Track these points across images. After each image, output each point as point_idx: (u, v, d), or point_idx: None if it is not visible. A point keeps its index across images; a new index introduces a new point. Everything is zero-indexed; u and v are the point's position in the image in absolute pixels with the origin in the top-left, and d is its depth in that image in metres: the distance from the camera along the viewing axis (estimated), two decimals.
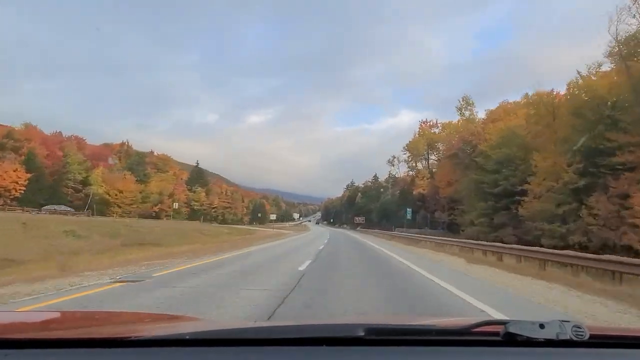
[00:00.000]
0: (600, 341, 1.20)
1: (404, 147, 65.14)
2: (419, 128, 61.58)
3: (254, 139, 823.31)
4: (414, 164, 70.29)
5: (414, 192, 52.71)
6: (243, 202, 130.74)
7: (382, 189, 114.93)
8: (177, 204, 69.75)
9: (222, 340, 1.13)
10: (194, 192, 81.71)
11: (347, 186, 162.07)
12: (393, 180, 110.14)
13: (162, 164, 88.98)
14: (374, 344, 1.13)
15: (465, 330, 1.18)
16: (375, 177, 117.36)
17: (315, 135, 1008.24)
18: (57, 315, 2.42)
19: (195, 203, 79.65)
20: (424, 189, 51.52)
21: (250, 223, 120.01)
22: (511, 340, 1.11)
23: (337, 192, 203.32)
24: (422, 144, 58.72)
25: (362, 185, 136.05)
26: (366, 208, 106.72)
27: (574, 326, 1.10)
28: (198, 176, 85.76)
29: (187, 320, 1.98)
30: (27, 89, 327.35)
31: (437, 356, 1.14)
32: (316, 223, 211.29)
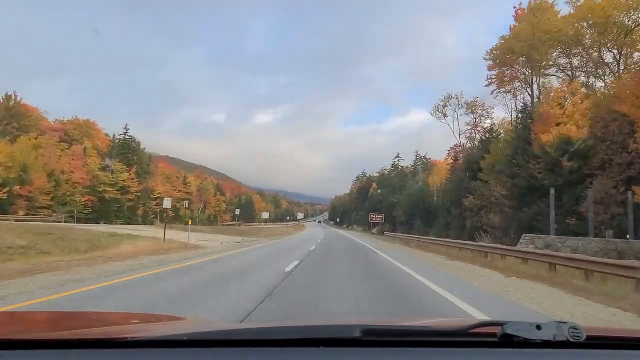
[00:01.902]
0: (597, 342, 1.18)
1: (487, 54, 31.52)
2: (516, 17, 28.84)
3: (262, 139, 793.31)
4: (481, 113, 38.43)
5: (542, 138, 19.98)
6: (220, 195, 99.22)
7: (407, 176, 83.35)
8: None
9: (220, 342, 1.12)
10: (112, 172, 50.22)
11: (358, 177, 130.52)
12: (423, 163, 78.66)
13: (79, 133, 58.00)
14: (371, 345, 1.12)
15: (462, 332, 1.17)
16: (396, 161, 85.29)
17: (324, 136, 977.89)
18: (52, 315, 2.37)
19: (108, 190, 48.25)
20: (578, 129, 19.42)
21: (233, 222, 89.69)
22: (508, 341, 1.10)
23: (346, 191, 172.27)
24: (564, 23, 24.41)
25: (377, 175, 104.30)
26: (386, 202, 75.03)
27: (571, 327, 1.10)
28: (124, 149, 54.44)
29: (185, 321, 1.97)
30: (28, 88, 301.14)
31: (434, 357, 1.13)
32: (318, 223, 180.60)
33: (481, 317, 5.92)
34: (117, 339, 1.14)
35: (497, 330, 1.12)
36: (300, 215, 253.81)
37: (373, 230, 76.13)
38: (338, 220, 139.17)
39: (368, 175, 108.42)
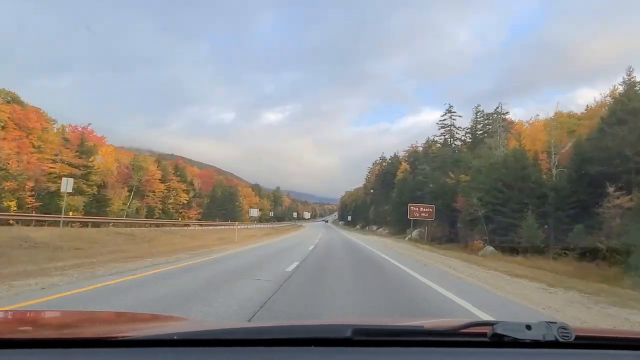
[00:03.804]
0: (586, 342, 1.20)
1: None
2: None
3: (270, 139, 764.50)
4: None
5: None
6: (180, 183, 68.22)
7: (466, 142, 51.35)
8: None
9: (211, 341, 1.12)
10: None
11: (375, 163, 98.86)
12: (498, 119, 46.34)
13: None
14: (362, 345, 1.13)
15: (453, 331, 1.18)
16: (447, 119, 52.93)
17: (334, 135, 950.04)
18: (44, 315, 2.25)
19: None
20: None
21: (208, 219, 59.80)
22: (498, 341, 1.12)
23: (358, 186, 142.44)
24: None
25: (405, 153, 72.59)
26: (434, 187, 43.41)
27: (559, 327, 1.12)
28: None
29: (176, 320, 1.95)
30: (32, 86, 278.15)
31: (425, 357, 1.14)
32: (325, 222, 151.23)
33: None
34: (107, 338, 1.12)
35: (487, 330, 1.12)
36: (307, 215, 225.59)
37: (412, 233, 44.17)
38: (349, 218, 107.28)
39: (392, 155, 76.50)
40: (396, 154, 75.41)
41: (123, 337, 1.11)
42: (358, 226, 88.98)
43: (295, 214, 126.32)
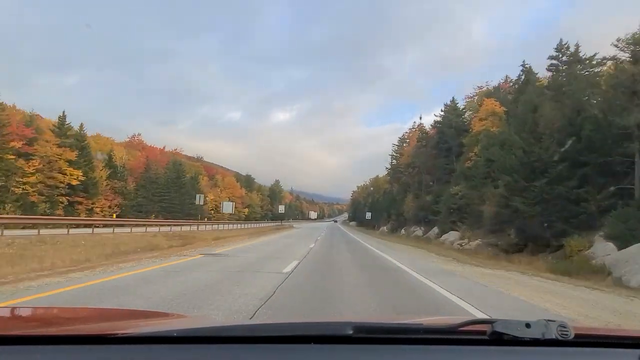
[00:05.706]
0: (585, 340, 1.20)
1: None
2: None
3: (279, 138, 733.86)
4: None
5: None
6: (54, 141, 35.93)
7: None
8: None
9: (211, 338, 1.11)
10: None
11: (404, 136, 66.73)
12: None
13: None
14: (362, 343, 1.13)
15: (452, 329, 1.18)
16: None
17: (344, 135, 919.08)
18: (43, 311, 2.27)
19: None
20: None
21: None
22: (498, 339, 1.11)
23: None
24: None
25: (467, 100, 40.54)
26: None
27: (559, 326, 1.11)
28: None
29: (177, 318, 1.95)
30: (38, 83, 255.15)
31: (425, 355, 1.14)
32: (334, 222, 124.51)
33: None
34: (107, 334, 1.11)
35: (486, 328, 1.12)
36: (313, 215, 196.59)
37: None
38: (368, 216, 74.36)
39: (448, 102, 43.59)
40: (453, 100, 42.92)
41: (123, 333, 1.09)
42: (384, 228, 56.66)
43: (281, 208, 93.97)
